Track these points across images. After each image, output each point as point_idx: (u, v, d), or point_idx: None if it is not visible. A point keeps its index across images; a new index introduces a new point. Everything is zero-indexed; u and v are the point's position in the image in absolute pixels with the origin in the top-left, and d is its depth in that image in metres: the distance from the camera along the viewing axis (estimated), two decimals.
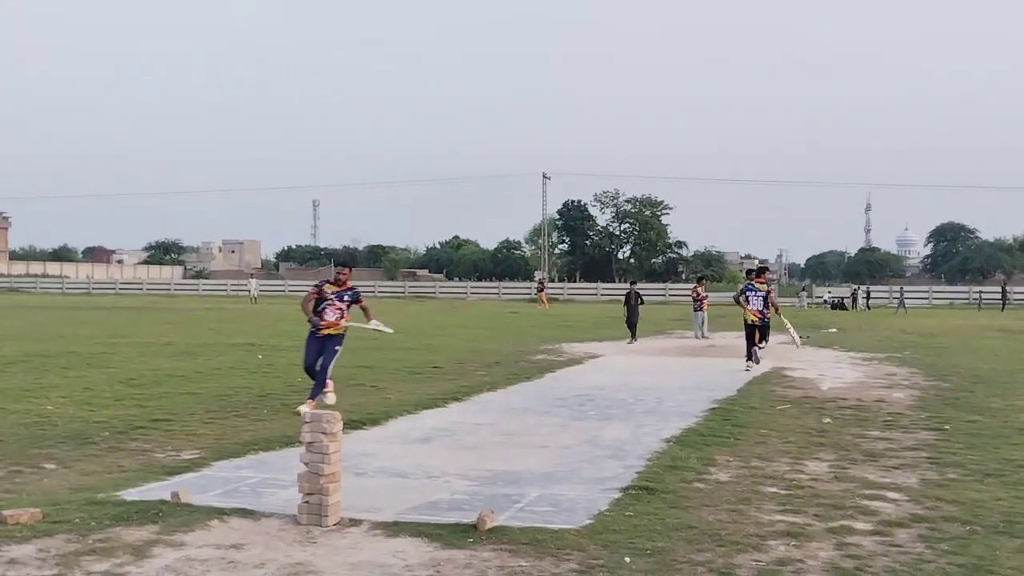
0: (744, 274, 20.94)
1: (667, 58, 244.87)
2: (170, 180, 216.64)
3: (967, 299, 66.22)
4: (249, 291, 61.10)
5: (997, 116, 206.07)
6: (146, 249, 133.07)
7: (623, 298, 25.56)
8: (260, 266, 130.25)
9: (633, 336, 23.74)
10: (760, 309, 16.37)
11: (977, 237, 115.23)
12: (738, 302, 17.02)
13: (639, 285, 28.93)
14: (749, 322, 16.39)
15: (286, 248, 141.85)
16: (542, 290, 58.38)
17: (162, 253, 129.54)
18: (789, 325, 17.86)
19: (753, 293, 16.62)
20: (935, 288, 76.10)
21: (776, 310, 16.86)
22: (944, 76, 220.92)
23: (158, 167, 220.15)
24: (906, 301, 55.32)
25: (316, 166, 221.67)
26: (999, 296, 59.65)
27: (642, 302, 25.01)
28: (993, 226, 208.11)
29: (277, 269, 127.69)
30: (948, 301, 66.85)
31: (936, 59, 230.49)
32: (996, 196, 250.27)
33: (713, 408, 11.45)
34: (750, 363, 16.13)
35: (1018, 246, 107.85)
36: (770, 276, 16.83)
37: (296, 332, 25.08)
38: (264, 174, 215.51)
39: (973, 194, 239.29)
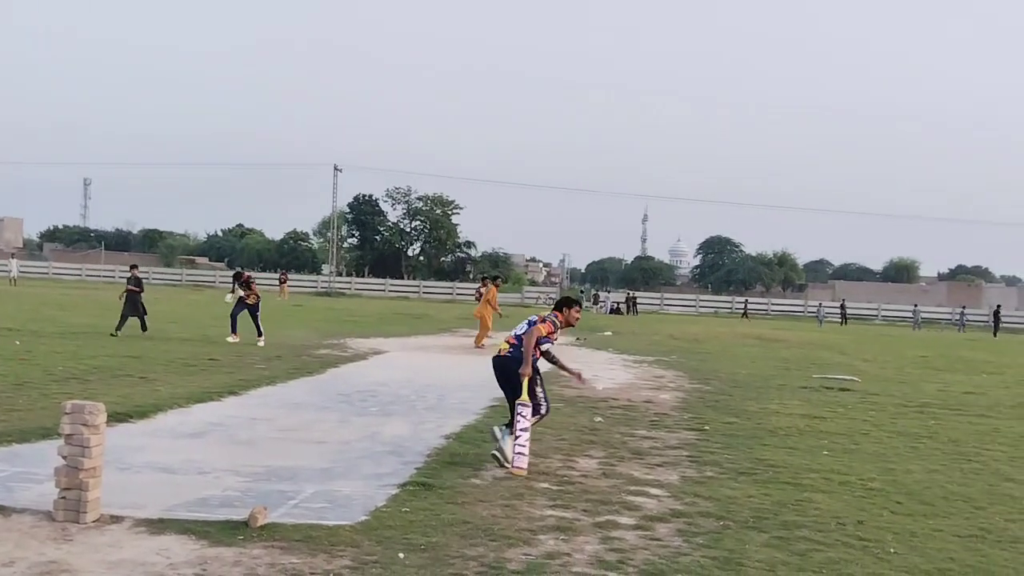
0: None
1: (457, 63, 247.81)
2: None
3: (730, 308, 70.85)
4: (9, 272, 56.70)
5: (763, 137, 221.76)
6: None
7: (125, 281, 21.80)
8: (22, 246, 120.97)
9: (119, 327, 19.89)
10: (517, 335, 8.55)
11: (741, 251, 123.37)
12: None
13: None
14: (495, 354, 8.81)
15: (52, 228, 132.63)
16: (284, 282, 59.27)
17: None
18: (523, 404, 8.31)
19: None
20: (702, 297, 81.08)
21: (525, 360, 8.22)
22: (715, 95, 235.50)
23: None
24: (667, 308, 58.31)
25: (89, 142, 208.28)
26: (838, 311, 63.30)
27: (141, 289, 20.98)
28: (756, 241, 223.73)
29: (41, 250, 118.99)
30: (713, 310, 71.38)
31: (705, 77, 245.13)
32: (759, 213, 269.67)
33: (493, 406, 11.65)
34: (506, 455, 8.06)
35: (777, 260, 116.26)
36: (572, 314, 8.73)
37: (58, 318, 23.51)
38: (29, 146, 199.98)
39: (740, 210, 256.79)
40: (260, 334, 19.96)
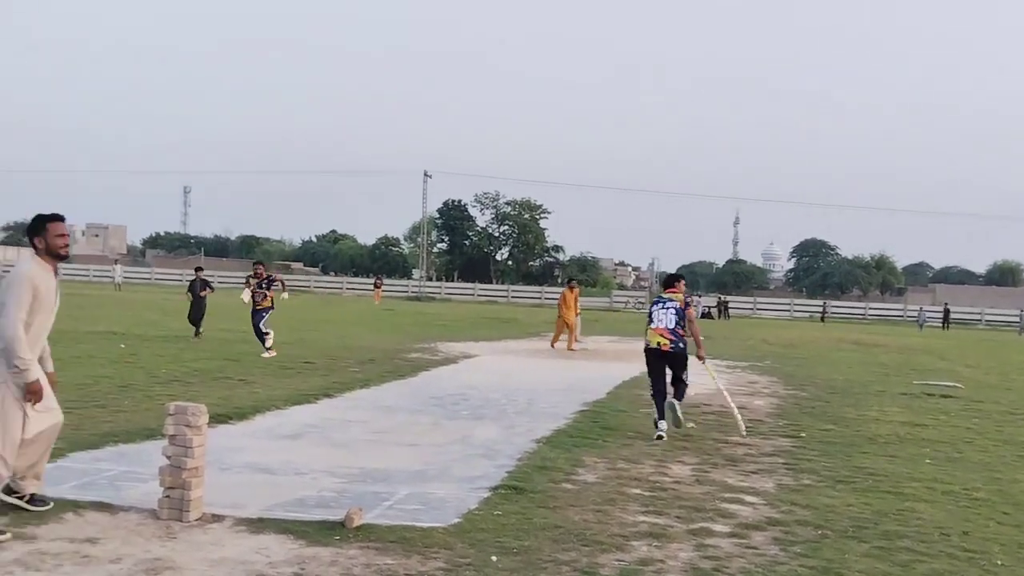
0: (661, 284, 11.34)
1: (546, 67, 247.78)
2: (32, 158, 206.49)
3: (822, 312, 69.34)
4: (113, 277, 58.93)
5: (859, 137, 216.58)
6: (4, 229, 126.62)
7: (187, 285, 21.77)
8: (126, 252, 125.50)
9: (197, 332, 20.31)
10: (670, 328, 10.07)
11: (837, 254, 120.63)
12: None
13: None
14: (654, 345, 10.11)
15: (154, 235, 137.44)
16: (378, 287, 59.97)
17: (21, 234, 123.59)
18: (720, 384, 11.34)
19: (660, 306, 10.28)
20: (796, 301, 79.49)
21: (698, 344, 10.40)
22: (811, 98, 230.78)
23: (20, 144, 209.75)
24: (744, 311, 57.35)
25: (188, 151, 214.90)
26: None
27: (212, 290, 21.28)
28: (852, 244, 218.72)
29: (144, 256, 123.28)
30: (808, 314, 69.84)
31: (803, 80, 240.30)
32: (855, 215, 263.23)
33: (583, 410, 11.63)
34: (662, 427, 9.83)
35: (874, 264, 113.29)
36: (686, 290, 10.65)
37: (161, 322, 24.24)
38: (133, 156, 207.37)
39: (834, 212, 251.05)
40: (267, 345, 17.31)
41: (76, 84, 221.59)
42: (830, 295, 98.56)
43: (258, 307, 17.92)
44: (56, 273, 5.85)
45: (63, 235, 5.80)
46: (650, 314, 10.44)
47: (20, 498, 5.74)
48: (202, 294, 20.92)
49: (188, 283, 21.71)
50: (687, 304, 10.28)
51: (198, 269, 22.89)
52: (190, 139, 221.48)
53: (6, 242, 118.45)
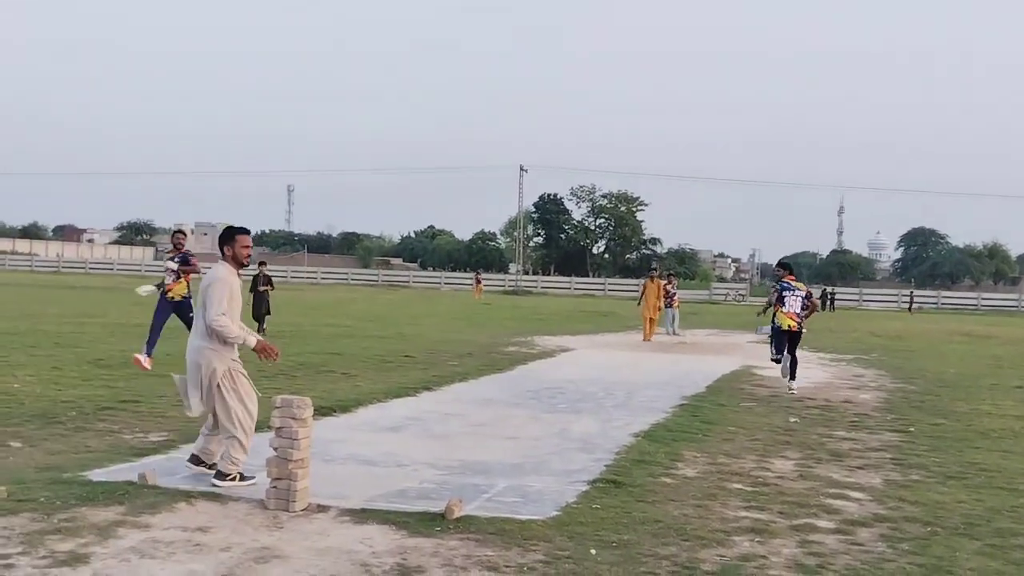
0: (776, 267, 15.49)
1: (644, 54, 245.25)
2: (143, 160, 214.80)
3: (936, 303, 67.07)
4: None
5: (970, 123, 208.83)
6: (117, 229, 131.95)
7: (252, 282, 19.91)
8: None
9: (260, 328, 18.70)
10: (798, 312, 13.31)
11: (947, 242, 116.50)
12: (770, 305, 13.84)
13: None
14: (785, 327, 13.29)
15: (259, 233, 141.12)
16: (479, 282, 61.00)
17: (133, 234, 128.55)
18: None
19: (791, 293, 13.34)
20: (904, 292, 77.03)
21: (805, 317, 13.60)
22: (920, 81, 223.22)
23: (132, 146, 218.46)
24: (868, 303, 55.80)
25: (292, 151, 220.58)
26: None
27: (272, 287, 20.29)
28: (963, 232, 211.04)
29: None
30: (917, 305, 67.68)
31: (912, 64, 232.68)
32: (967, 202, 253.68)
33: (682, 404, 11.52)
34: (792, 384, 13.23)
35: (987, 252, 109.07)
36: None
37: (273, 319, 24.92)
38: (239, 157, 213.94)
39: (944, 200, 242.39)
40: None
41: (180, 88, 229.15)
42: (940, 285, 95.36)
43: (170, 295, 12.91)
44: (239, 276, 6.72)
45: (248, 246, 6.68)
46: (783, 298, 13.28)
47: (244, 479, 6.45)
48: (262, 289, 19.96)
49: (252, 279, 20.08)
50: (809, 293, 13.56)
51: (261, 264, 21.71)
52: (294, 138, 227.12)
53: (119, 241, 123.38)
